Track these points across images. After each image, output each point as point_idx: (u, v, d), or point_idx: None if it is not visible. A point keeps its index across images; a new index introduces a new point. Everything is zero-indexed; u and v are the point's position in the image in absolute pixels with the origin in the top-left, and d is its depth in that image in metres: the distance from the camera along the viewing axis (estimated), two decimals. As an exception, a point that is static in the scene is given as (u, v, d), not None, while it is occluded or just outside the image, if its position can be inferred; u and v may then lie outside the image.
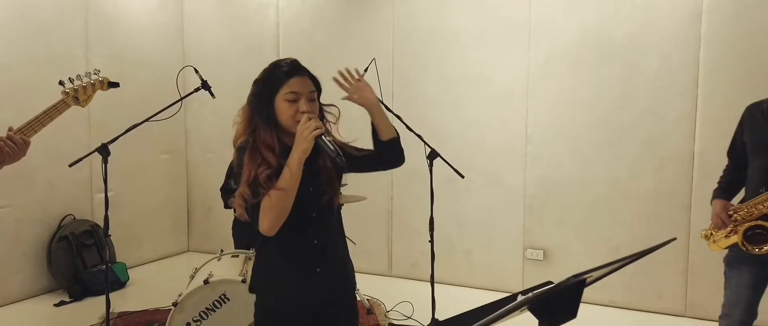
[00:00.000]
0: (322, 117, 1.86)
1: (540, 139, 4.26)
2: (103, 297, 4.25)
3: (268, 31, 5.20)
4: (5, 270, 4.10)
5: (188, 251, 5.72)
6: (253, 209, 1.73)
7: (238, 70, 5.32)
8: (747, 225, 2.32)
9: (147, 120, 3.18)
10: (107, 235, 3.13)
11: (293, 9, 5.09)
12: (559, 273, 4.23)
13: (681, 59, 3.80)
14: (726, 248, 2.45)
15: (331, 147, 1.68)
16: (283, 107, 1.75)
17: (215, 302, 2.75)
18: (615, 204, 4.04)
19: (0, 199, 4.05)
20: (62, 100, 2.17)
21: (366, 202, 4.61)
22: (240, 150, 1.78)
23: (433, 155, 3.26)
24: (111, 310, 3.91)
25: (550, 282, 1.17)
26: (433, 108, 4.58)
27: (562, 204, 4.22)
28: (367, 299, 4.05)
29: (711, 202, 2.53)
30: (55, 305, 4.12)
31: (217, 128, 5.43)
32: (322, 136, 1.69)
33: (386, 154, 1.93)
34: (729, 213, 2.40)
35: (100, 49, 4.72)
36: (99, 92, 2.26)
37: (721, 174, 2.61)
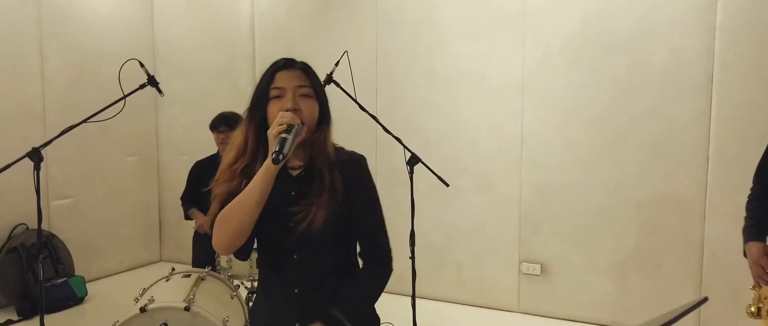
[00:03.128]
0: (323, 120, 1.47)
1: (536, 142, 3.86)
2: (58, 314, 3.93)
3: (242, 23, 4.81)
4: (-55, 285, 3.71)
5: (160, 261, 5.33)
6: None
7: (209, 65, 4.94)
8: None
9: (85, 121, 2.78)
10: (40, 253, 2.72)
11: (268, 0, 4.70)
12: (558, 290, 3.87)
13: (693, 52, 3.40)
14: None
15: (280, 145, 1.29)
16: (271, 111, 1.42)
17: (155, 333, 2.35)
18: (619, 213, 3.65)
19: (-62, 208, 3.67)
20: None
21: (346, 210, 4.24)
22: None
23: (413, 160, 2.87)
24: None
25: None
26: (420, 107, 4.19)
27: (560, 214, 3.82)
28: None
29: (744, 244, 2.03)
30: (0, 324, 3.73)
31: (188, 128, 5.04)
32: (287, 133, 1.31)
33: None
34: None
35: (55, 40, 4.32)
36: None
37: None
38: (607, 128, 3.65)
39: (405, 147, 2.90)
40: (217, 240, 1.38)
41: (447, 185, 2.92)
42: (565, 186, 3.79)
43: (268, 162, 1.31)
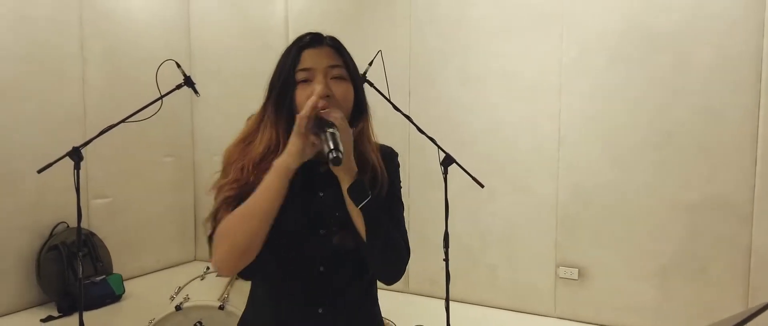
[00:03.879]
0: (359, 111, 1.25)
1: (574, 142, 3.77)
2: (96, 311, 4.00)
3: (276, 26, 4.84)
4: (-10, 281, 3.82)
5: (195, 260, 5.39)
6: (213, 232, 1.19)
7: (244, 67, 4.99)
8: None
9: (123, 121, 2.83)
10: (80, 251, 2.77)
11: (302, 1, 4.72)
12: (596, 295, 3.76)
13: (740, 49, 3.27)
14: None
15: (330, 141, 1.05)
16: (300, 98, 1.17)
17: (189, 331, 2.37)
18: (661, 216, 3.52)
19: (-16, 206, 3.78)
20: None
21: (379, 211, 4.21)
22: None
23: (447, 161, 2.83)
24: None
25: None
26: (454, 107, 4.13)
27: (599, 216, 3.72)
28: (377, 321, 3.62)
29: None
30: (41, 320, 3.81)
31: (222, 129, 5.08)
32: (327, 123, 1.09)
33: (372, 262, 1.22)
34: None
35: (96, 43, 4.42)
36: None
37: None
38: (649, 128, 3.54)
39: (439, 147, 2.86)
40: (221, 258, 1.13)
41: (482, 186, 2.87)
42: (604, 188, 3.69)
43: (284, 158, 1.11)
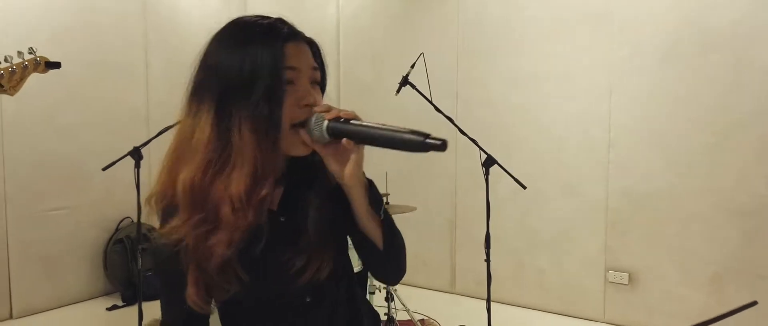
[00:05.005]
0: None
1: (625, 145, 3.69)
2: (156, 302, 4.23)
3: (328, 29, 4.96)
4: (63, 271, 4.11)
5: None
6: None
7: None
8: None
9: (178, 123, 2.98)
10: (140, 244, 2.96)
11: (353, 5, 4.82)
12: (647, 301, 3.66)
13: (804, 47, 3.12)
14: None
15: (412, 132, 0.85)
16: (288, 101, 0.96)
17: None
18: (716, 221, 3.40)
19: (58, 202, 4.07)
20: None
21: (427, 211, 4.25)
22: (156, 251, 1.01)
23: (489, 162, 2.84)
24: (152, 319, 3.83)
25: None
26: (502, 109, 4.12)
27: (651, 221, 3.62)
28: (420, 319, 3.67)
29: None
30: (107, 309, 4.08)
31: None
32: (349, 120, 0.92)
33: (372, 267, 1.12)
34: None
35: (158, 48, 4.68)
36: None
37: None
38: (705, 130, 3.42)
39: (480, 148, 2.88)
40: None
41: (524, 187, 2.87)
42: (656, 192, 3.59)
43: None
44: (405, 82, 3.05)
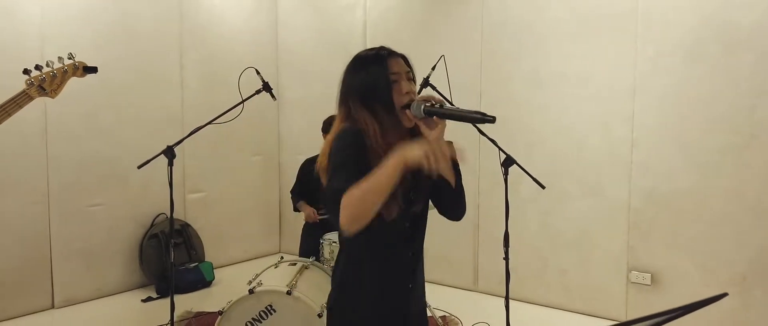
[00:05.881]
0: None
1: (648, 145, 3.69)
2: (188, 295, 4.41)
3: (355, 31, 5.07)
4: (101, 264, 4.32)
5: (279, 252, 5.74)
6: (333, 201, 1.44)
7: (325, 71, 5.26)
8: None
9: (209, 123, 3.14)
10: (172, 239, 3.12)
11: (380, 7, 4.91)
12: (669, 301, 3.65)
13: (831, 47, 3.08)
14: None
15: (471, 111, 1.39)
16: (395, 96, 1.54)
17: (261, 313, 2.61)
18: (741, 222, 3.38)
19: (97, 198, 4.28)
20: (24, 91, 1.93)
21: (450, 211, 4.31)
22: (342, 134, 1.51)
23: (508, 162, 2.90)
24: (190, 310, 4.00)
25: None
26: (525, 109, 4.16)
27: (674, 221, 3.61)
28: (441, 316, 3.74)
29: None
30: (142, 300, 4.27)
31: (305, 130, 5.40)
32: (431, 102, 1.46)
33: (443, 203, 1.67)
34: None
35: (193, 51, 4.86)
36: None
37: None
38: (729, 130, 3.40)
39: (500, 148, 2.94)
40: (348, 221, 1.36)
41: (543, 187, 2.92)
42: (679, 192, 3.58)
43: (408, 157, 1.33)
44: (426, 83, 3.14)
